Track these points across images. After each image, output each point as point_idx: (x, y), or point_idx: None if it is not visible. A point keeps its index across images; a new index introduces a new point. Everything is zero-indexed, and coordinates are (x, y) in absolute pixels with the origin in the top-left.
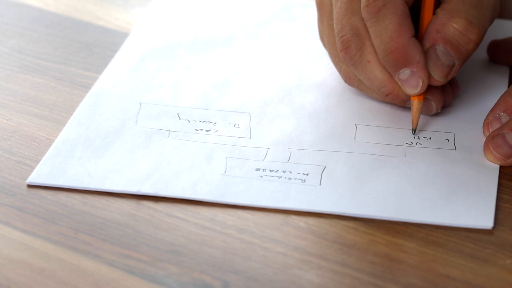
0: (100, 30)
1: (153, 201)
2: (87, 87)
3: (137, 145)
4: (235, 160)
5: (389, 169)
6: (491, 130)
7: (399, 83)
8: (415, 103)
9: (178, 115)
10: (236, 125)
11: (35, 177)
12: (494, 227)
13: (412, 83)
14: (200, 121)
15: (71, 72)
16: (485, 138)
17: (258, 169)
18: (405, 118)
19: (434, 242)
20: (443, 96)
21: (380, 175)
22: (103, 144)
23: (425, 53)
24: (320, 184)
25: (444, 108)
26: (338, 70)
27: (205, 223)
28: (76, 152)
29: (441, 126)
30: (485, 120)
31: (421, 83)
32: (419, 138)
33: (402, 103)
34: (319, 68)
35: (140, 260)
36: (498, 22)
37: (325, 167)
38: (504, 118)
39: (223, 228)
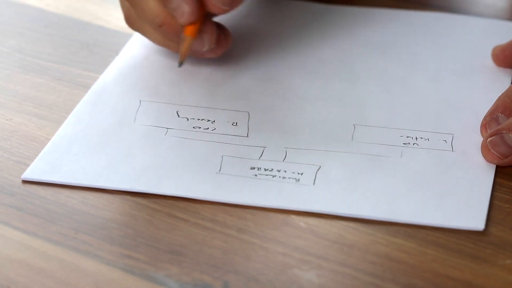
0: (100, 30)
1: (153, 201)
2: (87, 87)
3: (134, 142)
4: (231, 159)
5: (384, 169)
6: (489, 131)
7: (172, 13)
8: (187, 38)
9: (177, 113)
10: (235, 124)
11: (30, 173)
12: (494, 227)
13: (181, 11)
14: (198, 119)
15: (71, 72)
16: (482, 139)
17: (252, 168)
18: (405, 118)
19: (434, 242)
20: (219, 35)
21: (375, 175)
22: (101, 141)
23: None
24: (314, 183)
25: (215, 55)
26: (122, 12)
27: (205, 223)
28: (73, 149)
29: (439, 127)
30: (482, 121)
31: (190, 10)
32: (416, 138)
33: (175, 36)
34: (320, 68)
35: (140, 260)
36: (502, 24)
37: (320, 166)
38: (502, 119)
39: (223, 228)
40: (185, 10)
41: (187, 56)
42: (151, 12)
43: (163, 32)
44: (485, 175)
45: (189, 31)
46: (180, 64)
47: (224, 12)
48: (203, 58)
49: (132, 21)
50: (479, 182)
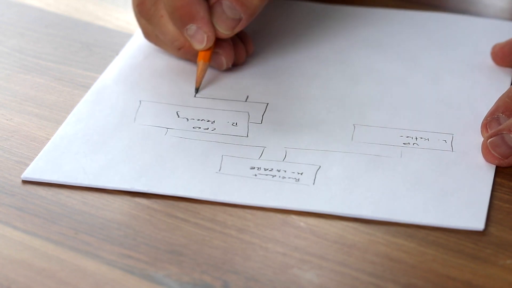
0: (100, 30)
1: (153, 201)
2: (87, 87)
3: (134, 142)
4: (231, 159)
5: (384, 169)
6: (489, 131)
7: (188, 39)
8: (200, 64)
9: (177, 113)
10: (235, 124)
11: (30, 173)
12: (494, 227)
13: (198, 38)
14: (198, 119)
15: (71, 72)
16: (483, 139)
17: (252, 168)
18: (405, 118)
19: (434, 242)
20: (235, 52)
21: (374, 175)
22: (101, 141)
23: (212, 8)
24: (313, 183)
25: (236, 65)
26: (139, 26)
27: (205, 223)
28: (73, 148)
29: (439, 127)
30: (483, 121)
31: (206, 38)
32: (416, 138)
33: (195, 58)
34: (320, 67)
35: (140, 260)
36: (502, 24)
37: (320, 166)
38: (503, 120)
39: (223, 228)
40: (201, 38)
41: (202, 81)
42: (170, 35)
43: (182, 53)
44: (485, 175)
45: (202, 56)
46: (197, 90)
47: (227, 37)
48: None
49: (151, 38)
50: (479, 182)
